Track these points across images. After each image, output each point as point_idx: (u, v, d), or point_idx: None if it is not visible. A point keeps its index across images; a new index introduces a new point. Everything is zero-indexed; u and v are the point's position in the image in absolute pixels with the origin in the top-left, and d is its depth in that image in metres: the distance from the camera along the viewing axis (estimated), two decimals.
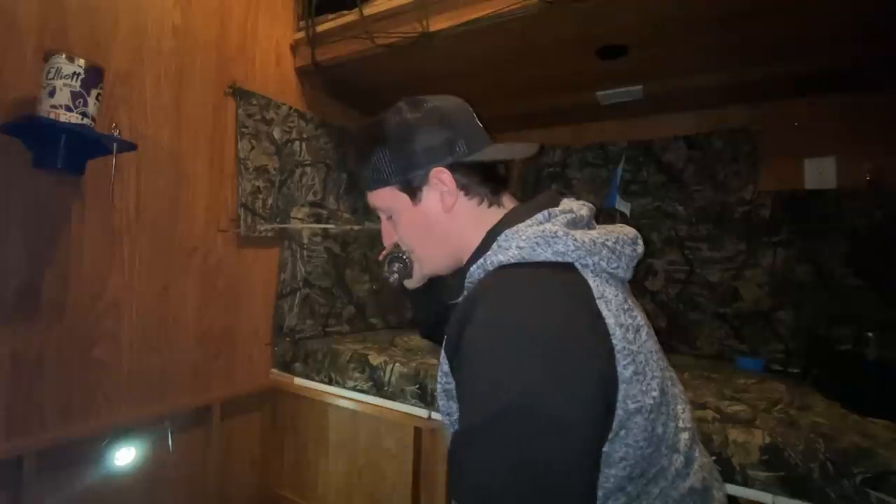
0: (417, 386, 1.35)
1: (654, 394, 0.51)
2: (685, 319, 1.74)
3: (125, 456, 1.25)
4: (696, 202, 1.77)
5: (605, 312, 0.50)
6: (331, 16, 1.61)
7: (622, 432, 0.49)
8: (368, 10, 1.48)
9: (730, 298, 1.67)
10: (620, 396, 0.48)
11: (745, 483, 0.91)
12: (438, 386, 0.59)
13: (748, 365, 1.53)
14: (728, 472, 0.92)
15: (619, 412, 0.48)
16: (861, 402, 1.04)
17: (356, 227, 1.95)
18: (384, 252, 0.77)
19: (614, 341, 0.49)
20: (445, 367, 0.56)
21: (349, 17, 1.54)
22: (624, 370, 0.49)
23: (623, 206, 1.62)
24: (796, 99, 1.67)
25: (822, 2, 1.15)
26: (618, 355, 0.49)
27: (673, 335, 1.73)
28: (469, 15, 1.33)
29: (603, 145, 2.00)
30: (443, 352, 0.57)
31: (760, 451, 0.91)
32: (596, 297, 0.51)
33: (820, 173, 1.63)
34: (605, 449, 0.49)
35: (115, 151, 1.13)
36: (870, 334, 1.12)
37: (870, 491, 0.81)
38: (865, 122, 1.57)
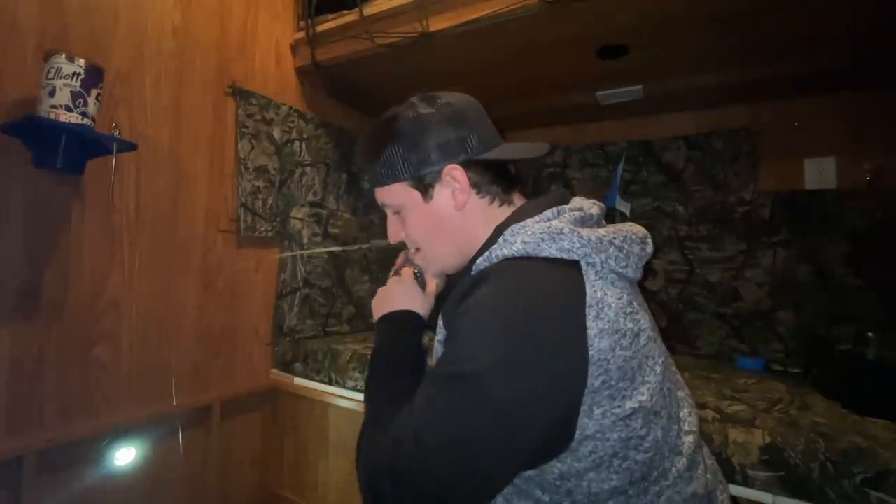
0: None
1: (643, 398, 0.51)
2: (685, 319, 1.74)
3: (125, 456, 1.25)
4: (696, 202, 1.77)
5: (590, 323, 0.49)
6: (331, 16, 1.60)
7: (587, 436, 0.49)
8: (368, 10, 1.48)
9: (730, 298, 1.67)
10: (585, 407, 0.49)
11: (745, 483, 0.91)
12: (435, 356, 0.61)
13: (748, 365, 1.53)
14: (728, 472, 0.91)
15: (585, 420, 0.49)
16: (861, 402, 1.04)
17: (364, 247, 1.94)
18: (398, 263, 0.78)
19: (591, 352, 0.49)
20: (441, 336, 0.59)
21: (349, 17, 1.53)
22: (594, 380, 0.49)
23: (623, 206, 1.62)
24: (796, 99, 1.67)
25: (822, 2, 1.15)
26: (592, 367, 0.48)
27: (673, 335, 1.73)
28: (469, 15, 1.32)
29: (603, 145, 2.00)
30: (440, 323, 0.59)
31: (760, 451, 0.91)
32: (588, 304, 0.50)
33: (820, 173, 1.63)
34: (571, 445, 0.49)
35: (115, 151, 1.13)
36: (870, 334, 1.12)
37: (870, 491, 0.81)
38: (865, 122, 1.57)
